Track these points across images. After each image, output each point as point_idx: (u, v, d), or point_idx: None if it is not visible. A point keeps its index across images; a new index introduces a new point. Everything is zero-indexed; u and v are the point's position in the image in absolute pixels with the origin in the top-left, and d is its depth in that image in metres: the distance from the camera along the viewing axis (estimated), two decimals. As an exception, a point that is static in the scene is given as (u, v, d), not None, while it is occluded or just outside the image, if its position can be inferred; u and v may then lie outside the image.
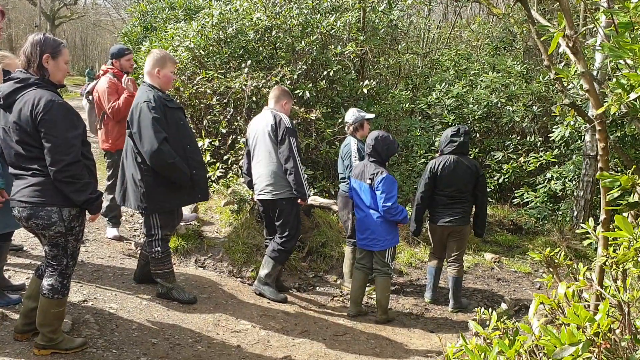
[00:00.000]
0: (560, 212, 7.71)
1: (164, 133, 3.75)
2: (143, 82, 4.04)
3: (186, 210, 5.90)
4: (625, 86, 1.91)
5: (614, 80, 2.03)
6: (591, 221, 2.77)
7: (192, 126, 7.22)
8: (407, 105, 8.69)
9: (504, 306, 4.86)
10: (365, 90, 6.99)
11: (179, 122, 3.95)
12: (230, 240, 5.61)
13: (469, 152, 4.94)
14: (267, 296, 4.69)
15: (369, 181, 4.44)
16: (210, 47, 7.21)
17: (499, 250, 6.93)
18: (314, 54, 7.06)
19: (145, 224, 4.05)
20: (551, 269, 2.49)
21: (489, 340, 2.61)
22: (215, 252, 5.52)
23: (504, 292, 5.56)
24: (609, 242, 2.44)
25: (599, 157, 2.24)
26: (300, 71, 6.87)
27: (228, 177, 6.77)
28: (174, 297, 4.17)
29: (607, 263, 2.40)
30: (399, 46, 9.84)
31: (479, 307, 5.09)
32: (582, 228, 2.85)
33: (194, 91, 6.86)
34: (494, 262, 6.47)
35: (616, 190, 2.07)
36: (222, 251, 5.48)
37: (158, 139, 3.70)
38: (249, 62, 6.88)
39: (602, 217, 2.33)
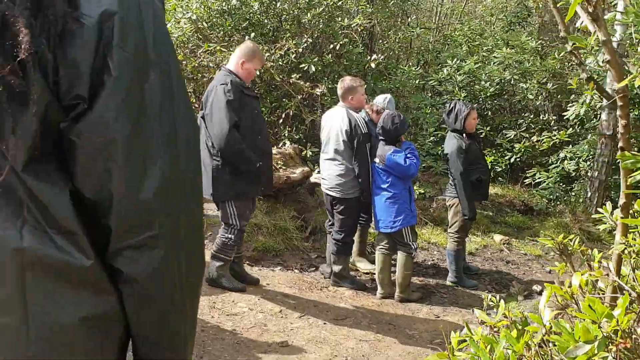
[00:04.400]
0: (573, 193, 7.48)
1: (235, 117, 3.72)
2: (224, 66, 4.03)
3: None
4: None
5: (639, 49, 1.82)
6: (609, 205, 2.57)
7: (193, 100, 7.03)
8: (417, 82, 8.43)
9: (512, 290, 4.68)
10: (373, 65, 6.75)
11: (253, 111, 3.91)
12: (231, 218, 5.46)
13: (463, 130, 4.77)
14: (349, 286, 4.71)
15: (377, 160, 4.29)
16: (213, 19, 6.98)
17: (509, 231, 6.73)
18: (320, 26, 6.82)
19: (222, 212, 4.07)
20: (564, 257, 2.30)
21: (496, 329, 2.44)
22: (216, 231, 5.37)
23: (513, 275, 5.38)
24: (629, 229, 2.26)
25: (619, 136, 2.03)
26: (305, 44, 6.64)
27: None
28: (223, 286, 4.20)
29: (625, 251, 2.22)
30: (409, 19, 9.55)
31: (487, 291, 4.95)
32: (599, 212, 2.65)
33: (196, 64, 6.65)
34: (503, 243, 6.28)
35: (637, 173, 1.87)
36: (222, 230, 5.34)
37: (230, 122, 3.68)
38: (252, 34, 6.66)
39: (622, 201, 2.13)
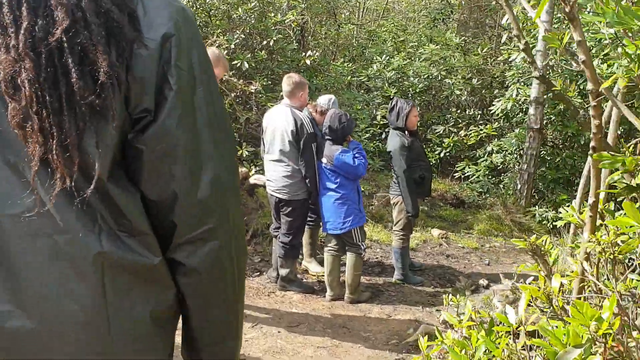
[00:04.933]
0: (502, 186, 7.75)
1: None
2: None
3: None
4: (633, 57, 1.70)
5: (619, 50, 1.81)
6: (574, 203, 2.61)
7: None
8: (348, 78, 8.42)
9: (459, 286, 4.75)
10: (308, 62, 6.64)
11: None
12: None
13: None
14: (297, 290, 4.60)
15: (325, 161, 4.19)
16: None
17: (445, 225, 6.86)
18: (252, 22, 6.62)
19: None
20: (537, 257, 2.31)
21: (456, 330, 2.41)
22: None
23: (454, 269, 5.47)
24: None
25: (591, 135, 2.04)
26: (237, 40, 6.42)
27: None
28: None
29: (596, 250, 2.24)
30: (336, 16, 9.53)
31: (432, 287, 4.99)
32: (565, 210, 2.68)
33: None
34: (442, 238, 6.39)
35: (620, 172, 1.88)
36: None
37: None
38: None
39: (592, 199, 2.14)
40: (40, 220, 0.93)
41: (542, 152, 7.22)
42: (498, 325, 2.31)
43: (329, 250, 4.43)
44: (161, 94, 0.95)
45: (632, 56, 1.68)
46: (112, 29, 0.91)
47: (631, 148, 2.19)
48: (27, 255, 0.94)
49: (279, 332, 3.76)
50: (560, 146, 7.70)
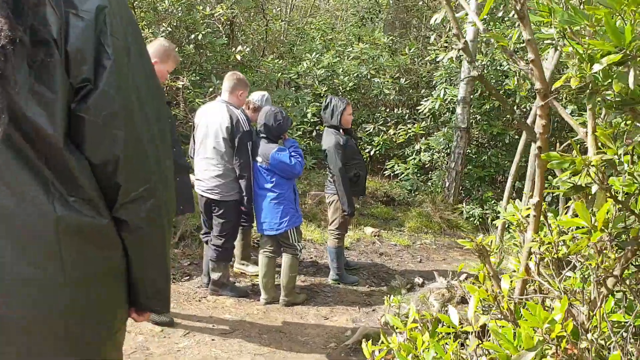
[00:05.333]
0: (430, 183, 7.89)
1: None
2: None
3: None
4: (584, 56, 1.69)
5: (570, 49, 1.80)
6: (518, 203, 2.61)
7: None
8: (279, 75, 8.28)
9: (394, 284, 4.74)
10: (238, 57, 6.44)
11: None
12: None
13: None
14: (229, 294, 4.41)
15: (260, 160, 4.04)
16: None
17: (377, 223, 6.89)
18: (179, 15, 6.34)
19: None
20: (483, 258, 2.28)
21: (401, 333, 2.36)
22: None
23: (388, 267, 5.47)
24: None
25: (538, 136, 2.03)
26: (163, 34, 6.12)
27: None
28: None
29: (540, 249, 2.25)
30: (265, 11, 9.36)
31: (368, 286, 4.96)
32: (510, 207, 2.69)
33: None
34: (374, 235, 6.40)
35: (568, 172, 1.87)
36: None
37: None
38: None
39: (536, 199, 2.14)
40: None
41: (468, 151, 7.40)
42: (442, 326, 2.27)
43: (264, 251, 4.29)
44: (99, 63, 1.03)
45: (584, 55, 1.67)
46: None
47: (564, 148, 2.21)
48: None
49: (213, 340, 3.58)
50: (486, 145, 7.93)
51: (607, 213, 1.80)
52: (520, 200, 5.89)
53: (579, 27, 1.78)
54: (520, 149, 5.33)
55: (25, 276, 1.02)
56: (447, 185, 7.29)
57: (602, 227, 1.76)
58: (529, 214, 2.28)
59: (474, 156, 7.62)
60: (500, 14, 6.84)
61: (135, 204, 1.13)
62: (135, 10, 6.47)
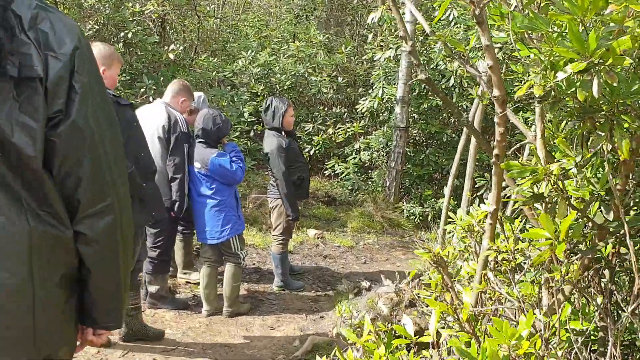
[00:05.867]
0: (370, 182, 7.87)
1: None
2: None
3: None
4: (546, 64, 1.64)
5: (532, 56, 1.75)
6: (473, 209, 2.57)
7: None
8: (213, 74, 8.02)
9: (341, 288, 4.66)
10: (171, 56, 6.15)
11: (131, 123, 3.12)
12: None
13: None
14: (169, 307, 4.18)
15: (198, 165, 3.84)
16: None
17: (320, 224, 6.80)
18: (107, 11, 5.98)
19: None
20: (441, 268, 2.22)
21: (357, 349, 2.27)
22: None
23: (333, 271, 5.39)
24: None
25: (494, 144, 1.98)
26: (90, 32, 5.76)
27: None
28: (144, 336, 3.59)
29: (497, 258, 2.21)
30: (197, 8, 9.02)
31: (314, 292, 4.85)
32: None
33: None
34: (318, 238, 6.31)
35: (528, 180, 1.82)
36: None
37: None
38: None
39: (492, 207, 2.09)
40: None
41: (407, 150, 7.43)
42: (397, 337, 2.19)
43: (206, 261, 4.10)
44: (69, 97, 1.22)
45: (546, 63, 1.61)
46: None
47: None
48: None
49: (153, 359, 3.36)
50: (424, 144, 8.01)
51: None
52: (460, 199, 5.94)
53: (538, 33, 1.73)
54: (460, 148, 5.37)
55: (1, 280, 1.17)
56: (387, 184, 7.30)
57: (564, 238, 1.72)
58: (484, 221, 2.23)
59: (412, 155, 7.67)
60: (435, 14, 6.90)
61: (93, 219, 1.29)
62: (59, 6, 6.05)
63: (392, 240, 6.53)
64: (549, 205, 1.97)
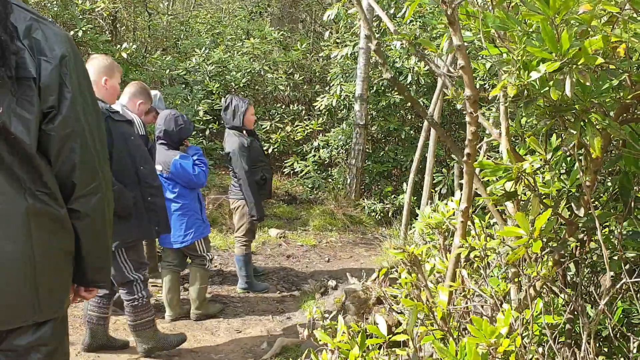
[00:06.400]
0: (331, 180, 7.87)
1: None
2: None
3: None
4: (518, 63, 1.65)
5: (505, 56, 1.76)
6: (450, 203, 2.58)
7: None
8: (167, 72, 7.84)
9: (307, 288, 4.63)
10: (125, 55, 5.96)
11: (128, 139, 3.17)
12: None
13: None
14: None
15: (160, 168, 3.73)
16: None
17: (282, 224, 6.75)
18: (55, 9, 5.73)
19: (114, 271, 3.19)
20: (415, 267, 2.22)
21: (332, 350, 2.26)
22: None
23: (297, 271, 5.36)
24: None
25: (467, 143, 1.99)
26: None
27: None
28: (166, 348, 3.48)
29: (468, 256, 2.23)
30: (147, 5, 8.79)
31: (278, 292, 4.81)
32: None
33: None
34: (280, 237, 6.26)
35: (503, 181, 1.84)
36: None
37: None
38: None
39: (463, 205, 2.10)
40: None
41: (366, 147, 7.47)
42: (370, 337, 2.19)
43: (168, 265, 4.00)
44: (61, 95, 1.46)
45: (519, 63, 1.62)
46: (2, 43, 1.37)
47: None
48: None
49: (119, 369, 3.25)
50: (383, 140, 8.06)
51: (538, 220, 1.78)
52: (419, 195, 5.97)
53: (504, 33, 1.75)
54: (420, 145, 5.43)
55: (5, 248, 1.41)
56: (348, 181, 7.31)
57: (538, 235, 1.75)
58: (459, 220, 2.25)
59: (371, 152, 7.71)
60: (392, 11, 6.95)
61: (86, 198, 1.56)
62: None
63: (354, 238, 6.54)
64: (521, 203, 1.99)
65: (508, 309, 1.73)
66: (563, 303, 2.30)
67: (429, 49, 1.97)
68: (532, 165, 1.84)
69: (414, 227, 5.24)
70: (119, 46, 6.11)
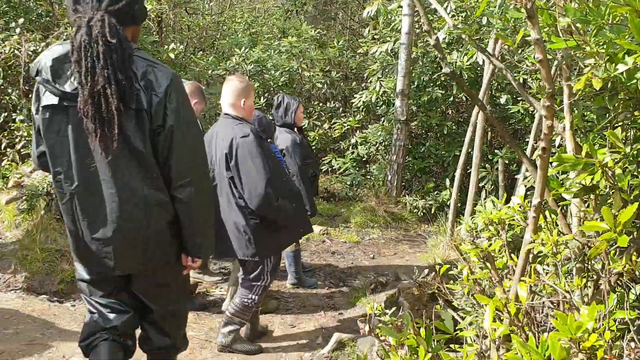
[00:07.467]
0: (368, 177, 7.87)
1: (269, 173, 3.26)
2: (225, 114, 3.42)
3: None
4: (604, 56, 1.65)
5: (588, 49, 1.75)
6: (514, 199, 2.57)
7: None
8: (210, 72, 7.95)
9: (357, 284, 4.66)
10: (172, 55, 6.07)
11: (270, 153, 3.45)
12: (24, 247, 4.40)
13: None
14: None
15: None
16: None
17: (323, 220, 6.79)
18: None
19: (252, 271, 3.47)
20: (488, 263, 2.23)
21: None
22: (4, 264, 4.28)
23: (343, 267, 5.39)
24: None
25: (542, 137, 1.99)
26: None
27: (3, 165, 5.36)
28: (238, 350, 3.55)
29: (544, 251, 2.22)
30: (190, 5, 8.93)
31: (327, 288, 4.85)
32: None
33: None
34: (323, 234, 6.30)
35: (583, 175, 1.83)
36: (14, 262, 4.27)
37: (265, 179, 3.23)
38: (21, 20, 5.42)
39: (536, 200, 2.10)
40: (113, 183, 2.07)
41: (407, 143, 7.44)
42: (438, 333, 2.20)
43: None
44: (165, 118, 2.04)
45: (606, 56, 1.62)
46: (125, 87, 1.97)
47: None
48: (112, 197, 2.08)
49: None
50: (424, 136, 8.03)
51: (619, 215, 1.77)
52: (461, 191, 5.91)
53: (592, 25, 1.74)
54: (467, 140, 5.40)
55: (130, 224, 2.09)
56: (389, 178, 7.30)
57: (621, 230, 1.74)
58: (531, 215, 2.24)
59: (412, 148, 7.68)
60: (433, 6, 6.90)
61: (182, 188, 2.12)
62: (54, 6, 5.95)
63: (396, 235, 6.54)
64: (599, 197, 1.98)
65: (593, 304, 1.72)
66: (634, 298, 2.28)
67: (506, 43, 1.97)
68: (613, 160, 1.83)
69: (461, 223, 5.21)
70: (165, 47, 6.22)
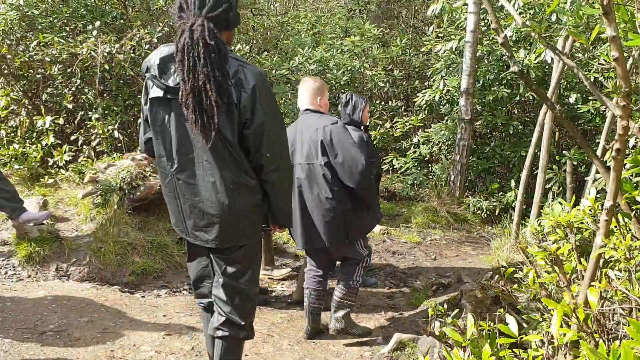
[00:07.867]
0: (430, 177, 7.77)
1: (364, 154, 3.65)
2: (306, 110, 3.73)
3: (31, 207, 4.78)
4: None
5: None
6: (584, 201, 2.50)
7: (25, 102, 5.90)
8: (274, 72, 8.08)
9: (417, 285, 4.63)
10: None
11: (362, 143, 4.05)
12: (98, 239, 4.64)
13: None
14: None
15: None
16: (44, 5, 5.86)
17: (384, 220, 6.77)
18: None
19: (349, 253, 3.73)
20: (556, 267, 2.18)
21: (464, 348, 2.25)
22: (80, 256, 4.53)
23: (404, 268, 5.37)
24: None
25: (617, 137, 1.92)
26: (160, 34, 5.89)
27: (79, 161, 5.66)
28: (353, 333, 3.81)
29: (618, 255, 2.15)
30: (256, 5, 9.10)
31: (387, 288, 4.84)
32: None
33: (27, 59, 5.53)
34: (383, 234, 6.29)
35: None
36: (89, 254, 4.52)
37: (364, 159, 3.59)
38: (97, 23, 5.71)
39: (609, 203, 2.03)
40: (207, 166, 2.37)
41: (471, 142, 7.29)
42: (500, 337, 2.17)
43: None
44: (253, 112, 2.30)
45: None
46: (221, 83, 2.23)
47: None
48: (202, 182, 2.39)
49: (245, 355, 3.43)
50: (489, 136, 7.85)
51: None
52: (527, 192, 5.73)
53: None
54: (534, 141, 5.25)
55: (219, 203, 2.39)
56: (452, 178, 7.19)
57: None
58: (602, 219, 2.17)
59: (477, 148, 7.53)
60: (499, 3, 6.74)
61: (271, 172, 2.40)
62: (128, 9, 6.22)
63: (459, 236, 6.44)
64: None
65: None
66: None
67: (579, 40, 1.92)
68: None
69: (527, 225, 5.08)
70: (233, 48, 6.38)
